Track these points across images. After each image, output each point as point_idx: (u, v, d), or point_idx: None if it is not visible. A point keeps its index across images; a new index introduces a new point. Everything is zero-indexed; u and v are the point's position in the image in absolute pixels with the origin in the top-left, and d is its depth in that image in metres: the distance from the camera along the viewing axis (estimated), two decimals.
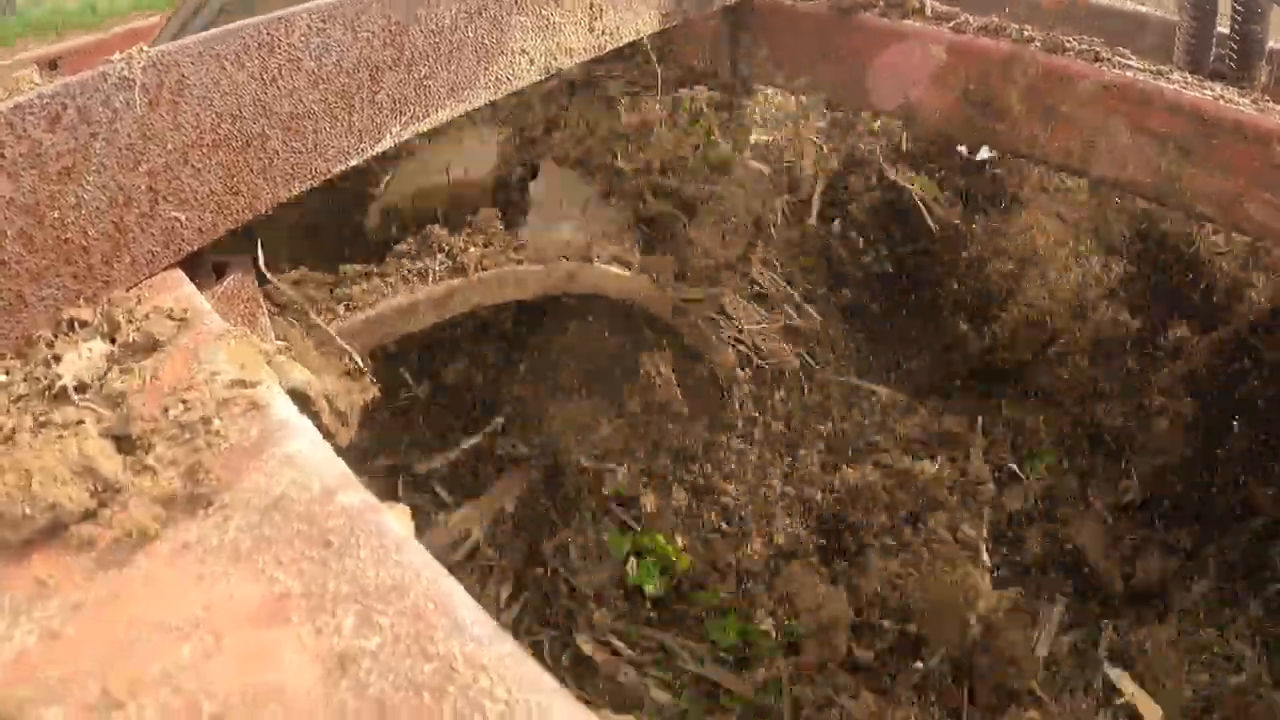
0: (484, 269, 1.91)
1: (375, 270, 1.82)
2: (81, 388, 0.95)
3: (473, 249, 1.93)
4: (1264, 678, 2.06)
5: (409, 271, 1.84)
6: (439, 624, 0.69)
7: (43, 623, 0.74)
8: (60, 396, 0.94)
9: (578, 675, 2.19)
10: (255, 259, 1.48)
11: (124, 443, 0.89)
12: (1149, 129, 1.86)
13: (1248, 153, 1.74)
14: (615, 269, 2.16)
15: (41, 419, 0.91)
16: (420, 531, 0.83)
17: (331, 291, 1.76)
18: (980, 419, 2.59)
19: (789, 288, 2.55)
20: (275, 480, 0.84)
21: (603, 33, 1.85)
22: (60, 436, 0.88)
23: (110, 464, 0.85)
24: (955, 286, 2.69)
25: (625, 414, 2.38)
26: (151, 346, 1.03)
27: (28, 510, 0.81)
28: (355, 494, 0.82)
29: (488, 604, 2.22)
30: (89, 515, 0.83)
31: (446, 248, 1.92)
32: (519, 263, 1.98)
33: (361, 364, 1.61)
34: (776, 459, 2.50)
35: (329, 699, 0.65)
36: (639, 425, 2.38)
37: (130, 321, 1.05)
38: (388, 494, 2.10)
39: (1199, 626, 2.20)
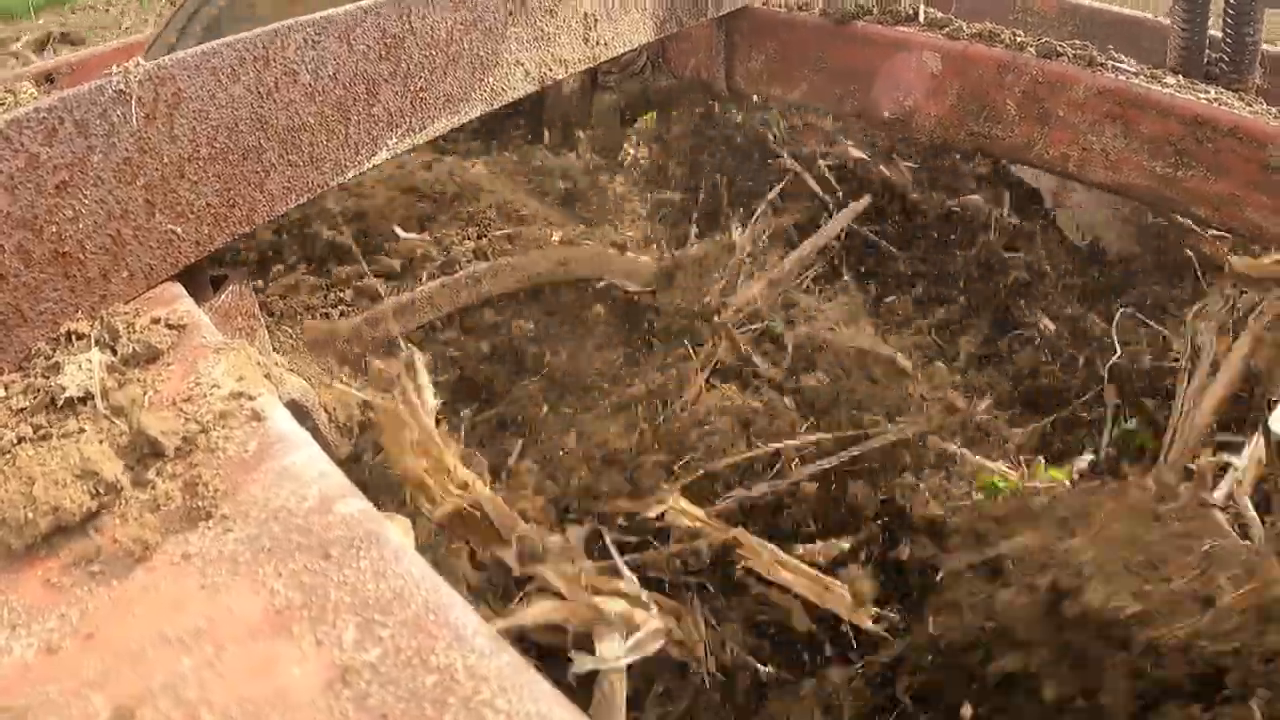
0: (477, 261, 1.91)
1: (368, 270, 1.83)
2: (82, 399, 0.95)
3: (467, 242, 1.93)
4: None
5: (403, 269, 1.84)
6: (440, 635, 0.69)
7: (42, 636, 0.74)
8: (61, 407, 0.94)
9: None
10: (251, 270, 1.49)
11: (124, 454, 0.89)
12: (1143, 132, 1.87)
13: (1244, 155, 1.75)
14: (612, 252, 2.15)
15: (42, 430, 0.91)
16: None
17: (326, 295, 1.76)
18: None
19: None
20: (274, 492, 0.84)
21: (597, 43, 1.86)
22: (64, 442, 0.88)
23: (111, 466, 0.85)
24: None
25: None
26: (150, 359, 1.03)
27: (30, 514, 0.81)
28: (355, 504, 0.81)
29: None
30: (91, 517, 0.83)
31: (439, 243, 1.92)
32: (512, 253, 1.97)
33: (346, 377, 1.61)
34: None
35: (330, 711, 0.64)
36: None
37: (129, 334, 1.05)
38: None
39: None
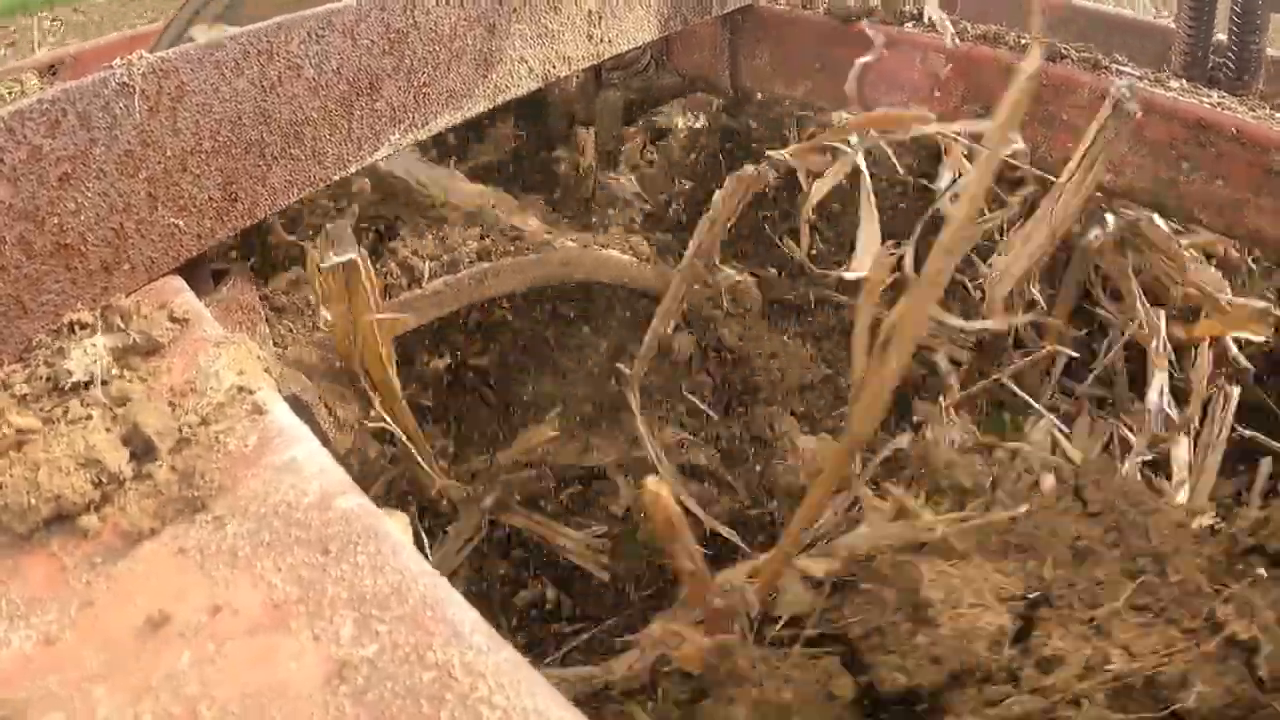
0: (480, 261, 1.91)
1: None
2: (86, 384, 0.95)
3: (471, 242, 1.93)
4: None
5: (403, 269, 1.84)
6: (437, 631, 0.69)
7: (41, 628, 0.74)
8: (67, 392, 0.95)
9: None
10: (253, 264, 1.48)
11: (126, 443, 0.89)
12: (1146, 136, 1.87)
13: (1247, 160, 1.75)
14: (615, 254, 2.15)
15: (46, 415, 0.91)
16: None
17: None
18: None
19: None
20: (274, 486, 0.84)
21: (601, 40, 1.85)
22: (67, 430, 0.88)
23: (115, 456, 0.85)
24: None
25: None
26: (151, 351, 1.03)
27: (33, 500, 0.81)
28: (354, 499, 0.82)
29: None
30: (93, 507, 0.83)
31: (441, 241, 1.92)
32: (515, 254, 1.97)
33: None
34: None
35: (327, 706, 0.65)
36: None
37: (130, 326, 1.06)
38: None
39: None
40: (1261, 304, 1.95)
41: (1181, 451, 1.88)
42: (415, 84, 1.48)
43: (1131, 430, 2.00)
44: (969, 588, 1.21)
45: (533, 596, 2.13)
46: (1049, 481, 1.53)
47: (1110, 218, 2.00)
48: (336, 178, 1.40)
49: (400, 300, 1.78)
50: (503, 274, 1.94)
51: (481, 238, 1.96)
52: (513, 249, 1.97)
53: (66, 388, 0.95)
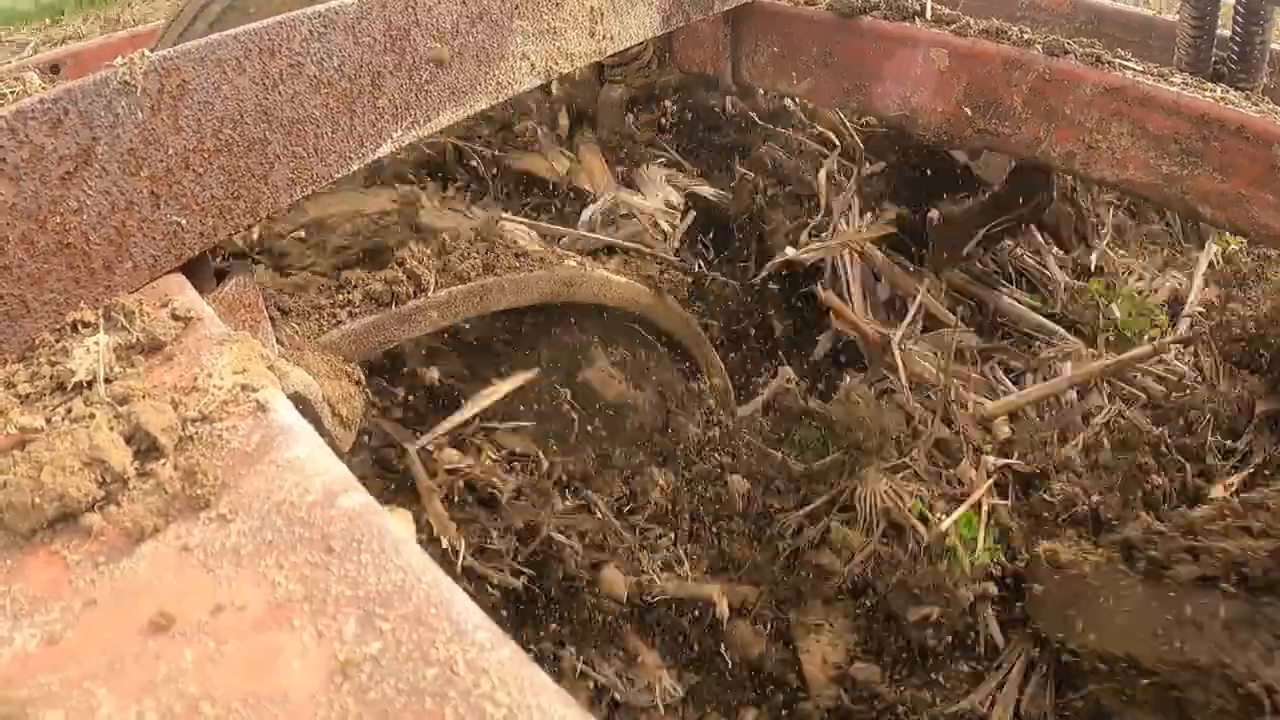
0: (485, 276, 1.91)
1: (378, 275, 1.82)
2: (88, 384, 0.95)
3: (474, 256, 1.93)
4: None
5: (410, 277, 1.84)
6: (440, 628, 0.69)
7: (44, 627, 0.74)
8: (70, 391, 0.95)
9: None
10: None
11: (129, 442, 0.89)
12: (1150, 131, 1.86)
13: (1250, 154, 1.74)
14: (618, 276, 2.15)
15: (49, 414, 0.91)
16: None
17: (334, 296, 1.76)
18: None
19: None
20: (277, 484, 0.84)
21: (604, 37, 1.85)
22: (71, 429, 0.88)
23: (119, 455, 0.85)
24: None
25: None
26: (154, 350, 1.03)
27: (36, 499, 0.81)
28: (357, 497, 0.81)
29: None
30: (96, 506, 0.83)
31: (449, 253, 1.92)
32: (519, 270, 1.97)
33: (361, 374, 1.61)
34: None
35: (331, 704, 0.65)
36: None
37: (133, 325, 1.05)
38: None
39: None
40: None
41: None
42: (417, 81, 1.48)
43: None
44: None
45: None
46: None
47: None
48: (339, 175, 1.40)
49: (406, 310, 1.78)
50: (506, 289, 1.94)
51: (487, 252, 1.96)
52: (517, 264, 1.97)
53: (69, 386, 0.95)
